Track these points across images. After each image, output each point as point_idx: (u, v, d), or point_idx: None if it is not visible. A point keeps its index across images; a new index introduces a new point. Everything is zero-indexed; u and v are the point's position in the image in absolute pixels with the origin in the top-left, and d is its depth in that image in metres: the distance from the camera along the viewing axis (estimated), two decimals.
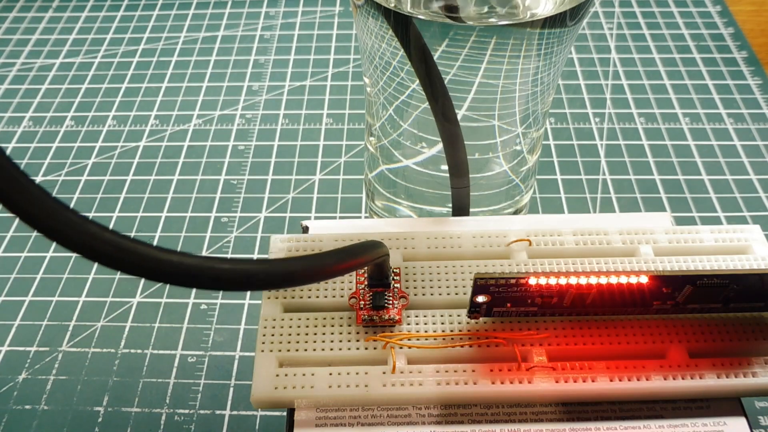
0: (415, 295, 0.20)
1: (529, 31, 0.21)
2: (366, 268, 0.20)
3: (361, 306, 0.19)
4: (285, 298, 0.20)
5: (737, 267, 0.20)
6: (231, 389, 0.26)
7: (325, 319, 0.19)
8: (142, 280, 0.30)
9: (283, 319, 0.19)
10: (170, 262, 0.13)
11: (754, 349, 0.18)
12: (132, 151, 0.36)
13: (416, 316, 0.19)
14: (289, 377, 0.18)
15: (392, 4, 0.21)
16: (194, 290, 0.29)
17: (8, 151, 0.36)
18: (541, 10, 0.21)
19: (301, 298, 0.20)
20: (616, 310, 0.19)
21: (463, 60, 0.21)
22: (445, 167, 0.25)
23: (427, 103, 0.23)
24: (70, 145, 0.36)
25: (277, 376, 0.18)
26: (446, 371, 0.18)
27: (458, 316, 0.19)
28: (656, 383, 0.18)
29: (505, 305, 0.18)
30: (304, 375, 0.18)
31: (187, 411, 0.25)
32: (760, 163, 0.34)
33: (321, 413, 0.18)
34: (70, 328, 0.28)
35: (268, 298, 0.20)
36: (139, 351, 0.27)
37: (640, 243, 0.21)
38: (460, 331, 0.19)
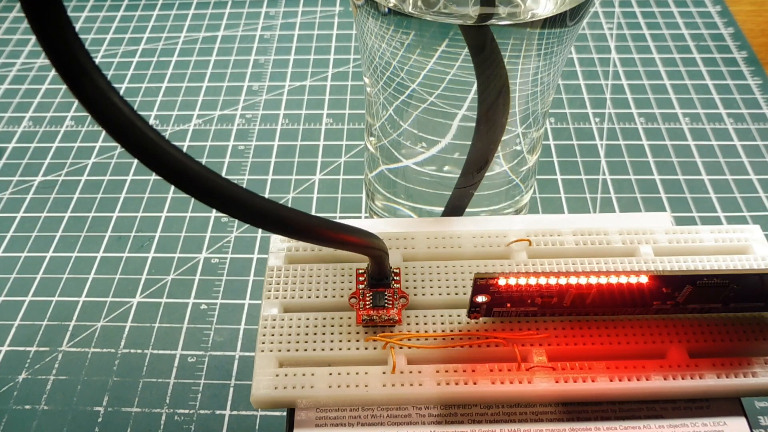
0: (415, 295, 0.20)
1: (529, 31, 0.21)
2: (366, 267, 0.20)
3: (361, 306, 0.19)
4: (285, 298, 0.20)
5: (737, 267, 0.20)
6: (231, 389, 0.26)
7: (325, 319, 0.19)
8: (143, 280, 0.30)
9: (283, 319, 0.19)
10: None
11: (754, 349, 0.18)
12: None
13: (416, 316, 0.19)
14: (289, 377, 0.18)
15: (392, 4, 0.21)
16: (194, 290, 0.29)
17: (8, 152, 0.36)
18: (541, 11, 0.21)
19: (301, 298, 0.20)
20: (616, 310, 0.19)
21: (463, 60, 0.21)
22: (444, 167, 0.25)
23: (428, 103, 0.23)
24: (70, 145, 0.36)
25: (277, 376, 0.18)
26: (446, 371, 0.18)
27: (458, 316, 0.19)
28: (656, 383, 0.18)
29: (505, 305, 0.18)
30: (304, 375, 0.18)
31: (187, 411, 0.25)
32: (760, 163, 0.34)
33: (321, 413, 0.18)
34: (70, 328, 0.28)
35: (268, 298, 0.20)
36: (139, 351, 0.27)
37: (640, 243, 0.21)
38: (459, 331, 0.19)
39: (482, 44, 0.20)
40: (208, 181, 0.13)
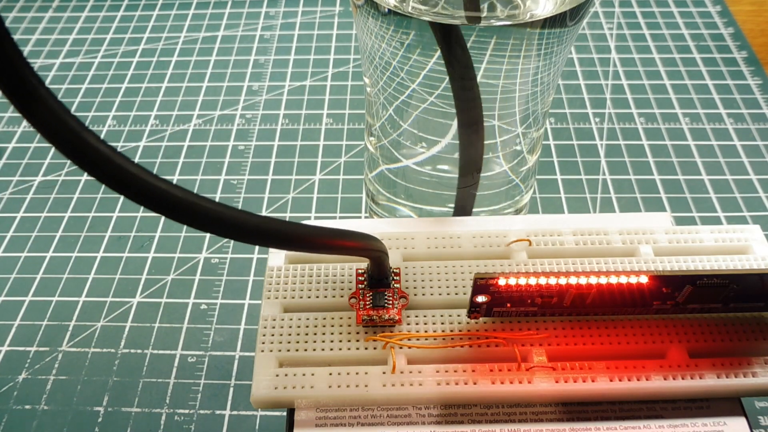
0: (415, 295, 0.20)
1: (529, 31, 0.21)
2: (366, 267, 0.20)
3: (361, 306, 0.19)
4: (285, 298, 0.20)
5: (737, 267, 0.20)
6: (231, 389, 0.26)
7: (325, 319, 0.19)
8: (143, 280, 0.30)
9: (283, 319, 0.19)
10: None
11: (754, 349, 0.18)
12: (132, 151, 0.36)
13: (416, 316, 0.19)
14: (289, 377, 0.18)
15: (392, 5, 0.21)
16: (194, 290, 0.29)
17: (8, 152, 0.36)
18: (541, 11, 0.21)
19: (301, 298, 0.20)
20: (616, 310, 0.19)
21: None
22: (444, 167, 0.25)
23: (428, 103, 0.23)
24: None
25: (277, 376, 0.18)
26: (446, 371, 0.18)
27: (458, 316, 0.19)
28: (656, 383, 0.18)
29: (505, 305, 0.18)
30: (304, 375, 0.18)
31: (187, 411, 0.25)
32: (760, 163, 0.34)
33: (321, 413, 0.18)
34: (70, 328, 0.28)
35: (268, 298, 0.20)
36: (139, 351, 0.27)
37: (640, 243, 0.21)
38: (459, 331, 0.19)
39: (450, 44, 0.20)
40: (193, 206, 0.13)
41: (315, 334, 0.19)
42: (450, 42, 0.20)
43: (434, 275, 0.20)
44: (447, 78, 0.22)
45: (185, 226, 0.32)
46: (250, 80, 0.40)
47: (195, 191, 0.36)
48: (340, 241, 0.17)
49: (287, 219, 0.32)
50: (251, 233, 0.15)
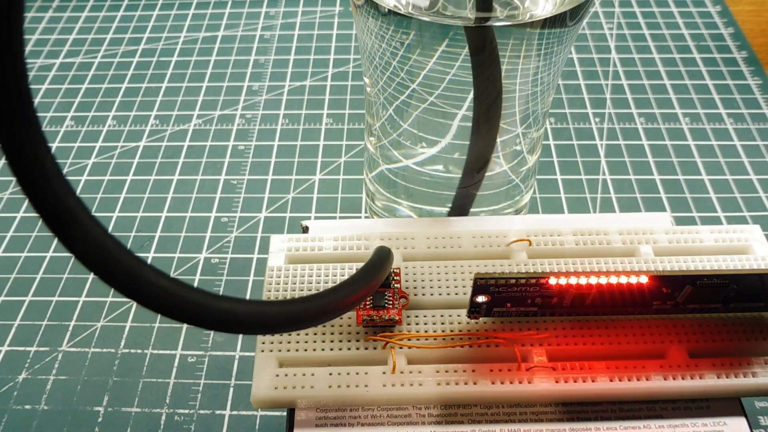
0: (415, 295, 0.20)
1: (529, 31, 0.21)
2: None
3: (361, 306, 0.19)
4: (285, 298, 0.20)
5: (737, 267, 0.20)
6: (231, 389, 0.26)
7: None
8: None
9: None
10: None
11: (754, 349, 0.18)
12: (132, 151, 0.36)
13: (416, 316, 0.19)
14: (289, 377, 0.18)
15: (392, 5, 0.21)
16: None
17: None
18: (541, 11, 0.21)
19: None
20: (616, 310, 0.19)
21: (463, 60, 0.21)
22: (444, 167, 0.25)
23: (428, 103, 0.23)
24: (70, 145, 0.36)
25: (277, 376, 0.18)
26: (446, 371, 0.18)
27: (458, 316, 0.19)
28: (656, 383, 0.18)
29: (505, 305, 0.18)
30: (304, 375, 0.18)
31: (187, 411, 0.25)
32: (760, 163, 0.34)
33: (321, 413, 0.18)
34: (70, 328, 0.28)
35: (268, 298, 0.20)
36: (139, 351, 0.27)
37: (640, 243, 0.21)
38: (460, 331, 0.19)
39: (482, 45, 0.20)
40: (197, 306, 0.13)
41: (315, 334, 0.19)
42: (478, 39, 0.20)
43: (434, 275, 0.20)
44: (447, 78, 0.22)
45: (185, 226, 0.32)
46: (250, 80, 0.40)
47: (195, 191, 0.36)
48: (360, 294, 0.17)
49: (287, 218, 0.32)
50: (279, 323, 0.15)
